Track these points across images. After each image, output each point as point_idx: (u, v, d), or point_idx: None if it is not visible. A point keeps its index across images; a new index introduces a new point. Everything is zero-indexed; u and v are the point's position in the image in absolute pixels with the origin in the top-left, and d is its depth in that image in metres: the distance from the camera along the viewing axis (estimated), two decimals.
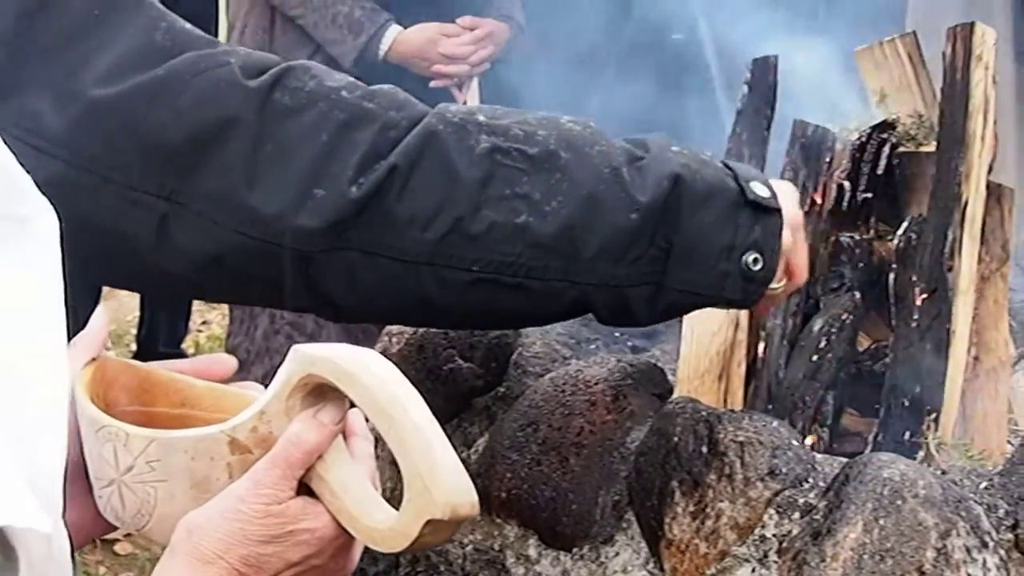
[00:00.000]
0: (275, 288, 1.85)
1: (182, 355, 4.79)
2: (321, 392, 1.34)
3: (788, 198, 2.09)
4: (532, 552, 2.38)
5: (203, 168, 1.81)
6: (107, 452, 1.36)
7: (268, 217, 1.83)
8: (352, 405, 1.35)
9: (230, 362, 1.48)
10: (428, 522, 1.31)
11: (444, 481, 1.30)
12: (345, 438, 1.37)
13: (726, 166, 2.03)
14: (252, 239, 1.81)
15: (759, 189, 2.00)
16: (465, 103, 4.21)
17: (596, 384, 2.40)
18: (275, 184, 1.84)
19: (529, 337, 2.61)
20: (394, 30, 3.94)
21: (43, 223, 1.07)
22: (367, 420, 1.36)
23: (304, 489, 1.34)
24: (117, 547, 4.52)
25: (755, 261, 1.99)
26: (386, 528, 1.32)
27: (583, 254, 1.92)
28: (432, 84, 4.02)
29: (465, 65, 4.02)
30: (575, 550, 2.34)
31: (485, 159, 1.88)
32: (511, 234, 1.88)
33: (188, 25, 1.93)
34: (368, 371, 1.32)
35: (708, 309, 2.29)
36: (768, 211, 2.01)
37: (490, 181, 1.87)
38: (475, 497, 1.34)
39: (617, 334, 2.78)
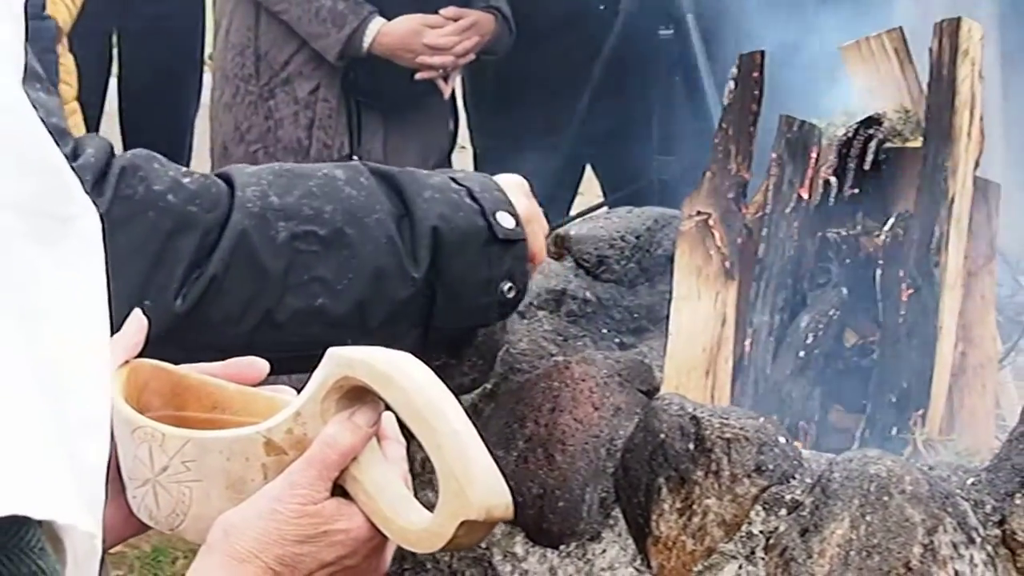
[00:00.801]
0: None
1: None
2: (356, 394, 1.34)
3: (520, 194, 2.26)
4: (519, 549, 2.38)
5: None
6: (142, 453, 1.37)
7: None
8: (387, 407, 1.35)
9: (262, 365, 1.48)
10: (463, 523, 1.31)
11: (479, 483, 1.31)
12: (378, 441, 1.38)
13: (472, 198, 2.19)
14: None
15: (505, 221, 2.18)
16: (453, 92, 4.20)
17: (583, 380, 2.40)
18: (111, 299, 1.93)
19: (516, 334, 2.61)
20: (378, 22, 3.93)
21: (89, 223, 1.07)
22: (400, 422, 1.37)
23: (338, 490, 1.35)
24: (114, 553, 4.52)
25: (509, 288, 2.18)
26: (421, 529, 1.33)
27: (369, 324, 2.11)
28: (417, 76, 4.02)
29: (450, 56, 4.02)
30: (562, 547, 2.34)
31: (285, 248, 2.05)
32: (309, 317, 2.07)
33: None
34: (404, 374, 1.33)
35: (694, 305, 2.31)
36: (515, 242, 2.19)
37: (291, 269, 2.06)
38: (509, 499, 1.35)
39: (604, 331, 2.78)
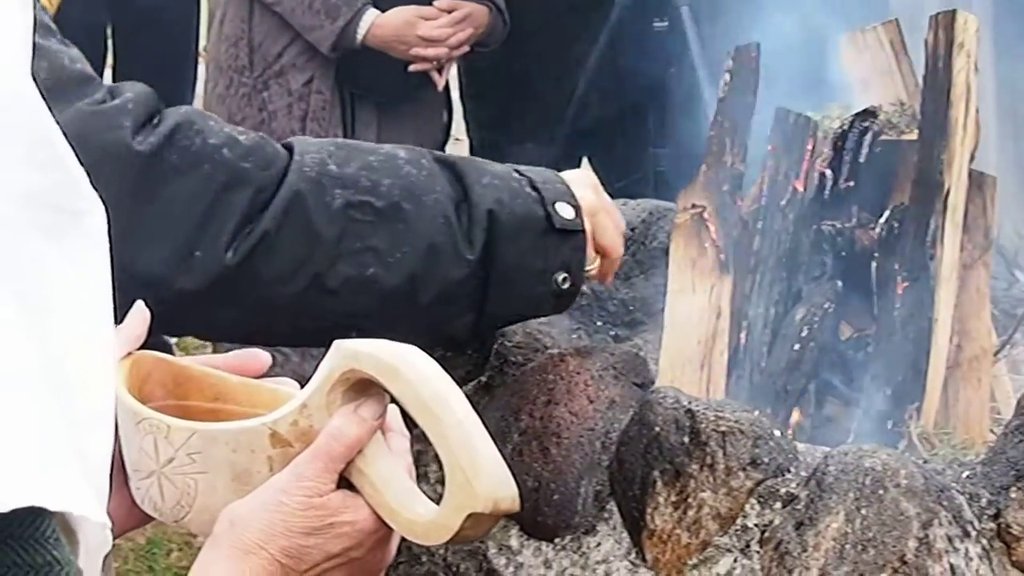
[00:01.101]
0: None
1: (167, 347, 4.77)
2: (362, 387, 1.35)
3: (585, 188, 2.25)
4: (514, 543, 2.38)
5: None
6: (147, 444, 1.37)
7: (153, 281, 1.94)
8: (392, 400, 1.36)
9: (264, 357, 1.49)
10: (470, 515, 1.32)
11: (486, 475, 1.32)
12: (383, 433, 1.39)
13: (533, 187, 2.19)
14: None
15: (564, 211, 2.19)
16: (446, 83, 4.19)
17: (578, 373, 2.40)
18: (159, 245, 1.99)
19: (511, 327, 2.61)
20: (371, 14, 3.93)
21: (95, 218, 1.08)
22: (404, 415, 1.37)
23: (344, 483, 1.35)
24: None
25: (564, 280, 2.20)
26: (427, 521, 1.34)
27: (420, 300, 2.13)
28: (411, 68, 4.01)
29: (444, 48, 4.01)
30: (557, 540, 2.34)
31: (340, 215, 2.07)
32: (361, 286, 2.09)
33: (72, 58, 1.98)
34: (410, 366, 1.34)
35: (689, 298, 2.31)
36: (574, 233, 2.20)
37: (344, 236, 2.07)
38: (516, 491, 1.36)
39: (599, 323, 2.77)
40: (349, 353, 1.34)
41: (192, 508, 1.37)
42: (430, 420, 1.32)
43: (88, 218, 1.08)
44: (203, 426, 1.37)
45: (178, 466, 1.37)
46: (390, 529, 1.36)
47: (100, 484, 1.07)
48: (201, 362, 1.48)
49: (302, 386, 1.39)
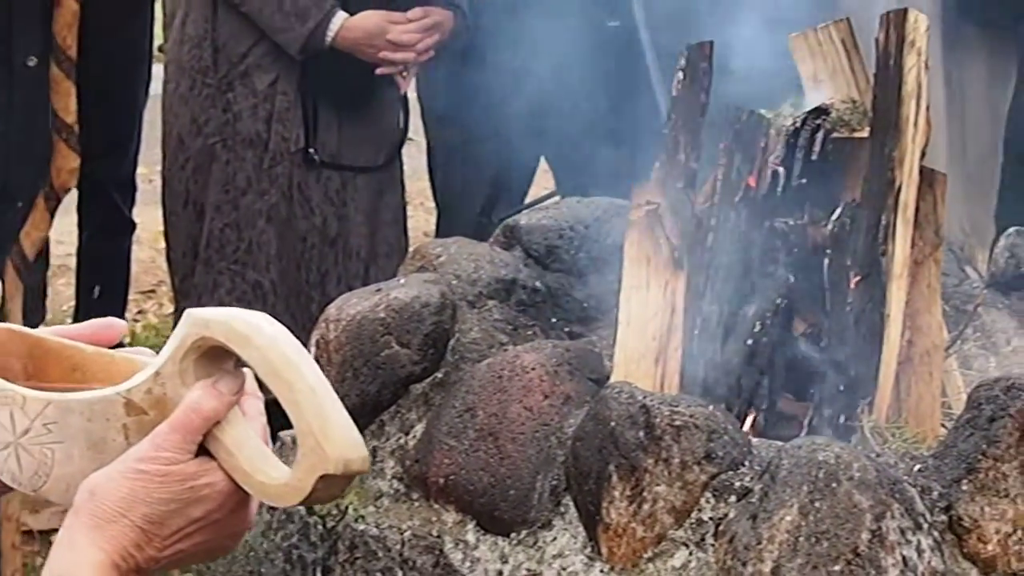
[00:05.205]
0: None
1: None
2: (215, 354, 1.37)
3: None
4: (470, 538, 2.39)
5: None
6: (3, 416, 1.39)
7: None
8: (244, 366, 1.37)
9: (120, 326, 1.50)
10: (321, 477, 1.35)
11: (336, 437, 1.34)
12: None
13: None
14: None
15: None
16: (405, 93, 4.20)
17: (533, 369, 2.41)
18: None
19: (466, 324, 2.61)
20: (340, 16, 3.93)
21: None
22: (258, 380, 1.39)
23: (201, 449, 1.38)
24: (54, 537, 4.49)
25: None
26: (280, 484, 1.37)
27: None
28: (378, 71, 4.02)
29: (411, 53, 4.02)
30: (513, 535, 2.35)
31: None
32: None
33: None
34: (260, 333, 1.36)
35: (643, 294, 2.31)
36: None
37: None
38: (366, 452, 1.39)
39: (554, 320, 2.78)
40: (200, 321, 1.36)
41: (50, 478, 1.39)
42: (281, 386, 1.34)
43: None
44: (58, 396, 1.39)
45: (34, 436, 1.38)
46: (248, 493, 1.38)
47: None
48: (57, 332, 1.49)
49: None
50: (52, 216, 3.35)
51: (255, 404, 1.42)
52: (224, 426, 1.37)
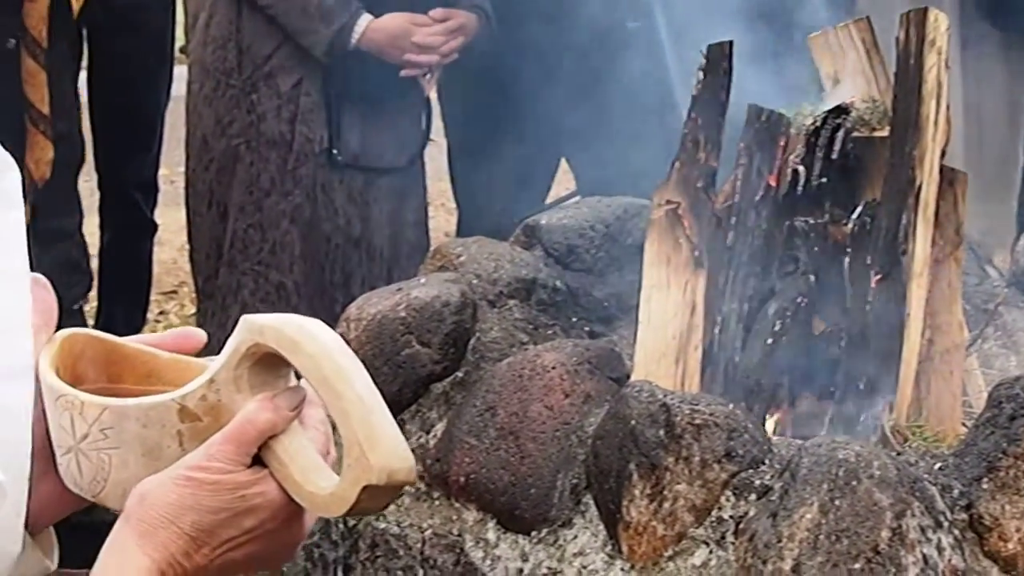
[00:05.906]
0: None
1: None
2: (269, 361, 1.37)
3: None
4: (491, 536, 2.39)
5: None
6: (65, 420, 1.40)
7: None
8: (297, 375, 1.38)
9: (199, 335, 1.50)
10: (365, 487, 1.34)
11: (381, 447, 1.34)
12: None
13: None
14: None
15: None
16: (428, 96, 4.21)
17: (553, 369, 2.41)
18: None
19: (487, 323, 2.62)
20: (366, 18, 3.94)
21: (10, 178, 1.07)
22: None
23: (256, 459, 1.38)
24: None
25: None
26: (327, 494, 1.36)
27: None
28: (403, 73, 4.03)
29: (436, 55, 4.03)
30: (533, 533, 2.35)
31: None
32: None
33: None
34: (313, 340, 1.36)
35: (664, 293, 2.32)
36: None
37: None
38: (412, 463, 1.38)
39: (574, 319, 2.79)
40: (255, 328, 1.36)
41: (107, 483, 1.39)
42: (330, 394, 1.34)
43: (2, 180, 1.07)
44: (114, 402, 1.39)
45: (92, 442, 1.39)
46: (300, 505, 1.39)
47: (16, 436, 1.05)
48: (136, 340, 1.49)
49: None
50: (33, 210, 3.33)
51: (315, 413, 1.41)
52: (280, 436, 1.37)
